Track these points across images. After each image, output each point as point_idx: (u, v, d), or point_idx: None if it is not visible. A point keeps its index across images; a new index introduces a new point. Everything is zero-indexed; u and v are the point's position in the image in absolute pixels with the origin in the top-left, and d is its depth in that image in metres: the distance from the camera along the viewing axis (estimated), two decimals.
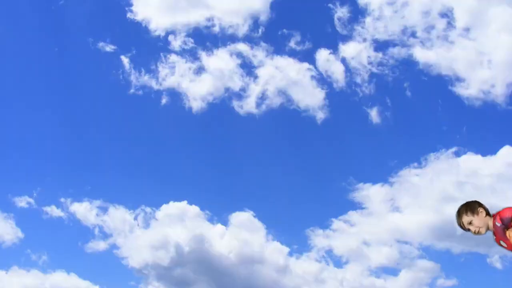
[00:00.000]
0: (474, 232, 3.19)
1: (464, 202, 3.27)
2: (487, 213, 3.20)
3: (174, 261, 12.13)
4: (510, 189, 11.18)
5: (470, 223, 3.18)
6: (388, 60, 12.41)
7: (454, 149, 12.12)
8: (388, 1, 12.23)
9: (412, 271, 12.71)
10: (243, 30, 13.14)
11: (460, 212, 3.23)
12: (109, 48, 13.11)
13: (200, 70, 13.35)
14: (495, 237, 3.25)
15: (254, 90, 13.13)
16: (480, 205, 3.22)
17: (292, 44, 13.03)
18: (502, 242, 3.20)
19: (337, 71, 12.88)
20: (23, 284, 11.61)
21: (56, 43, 13.51)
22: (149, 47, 13.53)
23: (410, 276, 12.55)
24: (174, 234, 12.28)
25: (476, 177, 11.43)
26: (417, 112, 12.87)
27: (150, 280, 12.31)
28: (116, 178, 13.46)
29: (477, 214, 3.18)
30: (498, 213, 3.15)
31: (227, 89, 13.12)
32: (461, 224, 3.23)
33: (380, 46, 12.60)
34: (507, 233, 3.10)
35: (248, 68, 13.27)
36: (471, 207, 3.20)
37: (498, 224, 3.12)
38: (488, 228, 3.20)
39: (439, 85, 12.61)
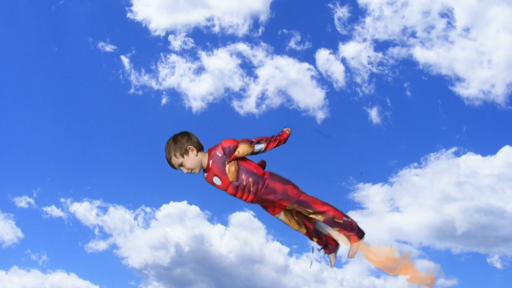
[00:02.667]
0: (187, 173, 2.81)
1: (172, 136, 2.82)
2: (199, 148, 2.82)
3: (174, 261, 12.12)
4: (510, 189, 11.16)
5: (181, 165, 2.80)
6: (388, 60, 12.37)
7: (454, 149, 12.08)
8: (388, 1, 12.20)
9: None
10: (243, 30, 13.10)
11: (168, 155, 2.80)
12: (109, 48, 13.05)
13: (200, 70, 13.33)
14: (206, 174, 2.85)
15: (254, 90, 13.09)
16: (189, 139, 2.81)
17: (292, 44, 13.00)
18: (216, 180, 2.83)
19: (337, 71, 12.84)
20: (23, 284, 11.58)
21: (56, 43, 13.45)
22: (149, 47, 13.47)
23: None
24: (174, 234, 12.27)
25: (476, 177, 11.40)
26: (417, 112, 12.82)
27: (150, 280, 12.27)
28: (116, 178, 13.40)
29: (187, 154, 2.78)
30: (219, 144, 2.79)
31: (227, 89, 13.10)
32: (172, 165, 2.83)
33: (380, 46, 12.55)
34: (227, 166, 2.79)
35: (248, 68, 13.25)
36: (179, 147, 2.77)
37: (220, 154, 2.77)
38: (202, 166, 2.83)
39: (439, 85, 12.56)
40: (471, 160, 11.51)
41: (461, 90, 11.93)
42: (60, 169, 13.56)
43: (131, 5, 13.07)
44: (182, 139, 2.82)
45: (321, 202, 3.06)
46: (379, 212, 12.23)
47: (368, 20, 12.34)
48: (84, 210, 12.59)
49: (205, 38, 13.34)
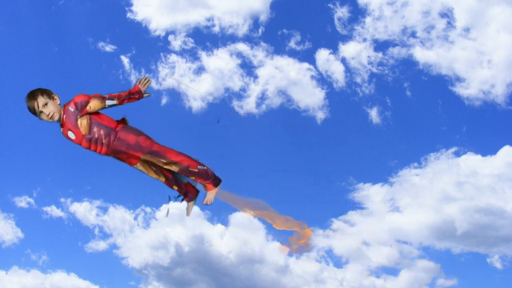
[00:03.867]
0: (48, 116, 2.93)
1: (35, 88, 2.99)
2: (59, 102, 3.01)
3: (174, 261, 12.12)
4: (510, 189, 11.17)
5: (45, 105, 2.92)
6: (388, 60, 12.37)
7: (454, 149, 12.09)
8: (388, 1, 12.21)
9: (412, 271, 12.69)
10: (243, 30, 13.10)
11: (35, 94, 2.93)
12: (109, 48, 13.05)
13: (200, 70, 13.33)
14: (63, 129, 3.02)
15: (254, 90, 13.09)
16: (51, 92, 2.99)
17: (292, 44, 13.00)
18: (70, 134, 2.99)
19: (337, 71, 12.84)
20: (23, 284, 11.58)
21: (56, 43, 13.46)
22: (149, 47, 13.49)
23: (410, 276, 12.54)
24: (174, 234, 12.27)
25: (476, 177, 11.41)
26: (417, 112, 12.84)
27: (150, 280, 12.28)
28: (116, 178, 13.40)
29: (53, 99, 2.96)
30: (72, 99, 2.97)
31: (227, 89, 13.10)
32: (35, 107, 2.93)
33: (380, 46, 12.55)
34: (79, 121, 2.95)
35: (248, 68, 13.25)
36: (47, 91, 2.96)
37: (72, 109, 2.94)
38: (60, 117, 2.98)
39: (439, 85, 12.57)
40: (471, 160, 11.53)
41: (461, 90, 11.93)
42: (60, 169, 13.55)
43: (131, 5, 13.06)
44: (47, 90, 2.99)
45: (175, 152, 3.14)
46: (379, 212, 12.24)
47: (368, 20, 12.34)
48: (84, 210, 12.58)
49: (205, 38, 13.34)
